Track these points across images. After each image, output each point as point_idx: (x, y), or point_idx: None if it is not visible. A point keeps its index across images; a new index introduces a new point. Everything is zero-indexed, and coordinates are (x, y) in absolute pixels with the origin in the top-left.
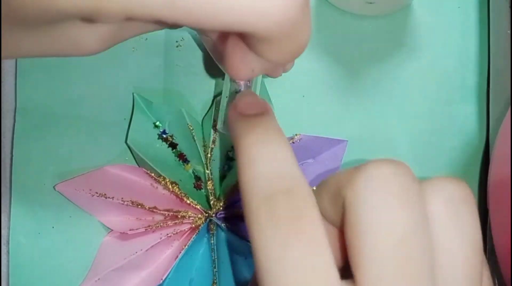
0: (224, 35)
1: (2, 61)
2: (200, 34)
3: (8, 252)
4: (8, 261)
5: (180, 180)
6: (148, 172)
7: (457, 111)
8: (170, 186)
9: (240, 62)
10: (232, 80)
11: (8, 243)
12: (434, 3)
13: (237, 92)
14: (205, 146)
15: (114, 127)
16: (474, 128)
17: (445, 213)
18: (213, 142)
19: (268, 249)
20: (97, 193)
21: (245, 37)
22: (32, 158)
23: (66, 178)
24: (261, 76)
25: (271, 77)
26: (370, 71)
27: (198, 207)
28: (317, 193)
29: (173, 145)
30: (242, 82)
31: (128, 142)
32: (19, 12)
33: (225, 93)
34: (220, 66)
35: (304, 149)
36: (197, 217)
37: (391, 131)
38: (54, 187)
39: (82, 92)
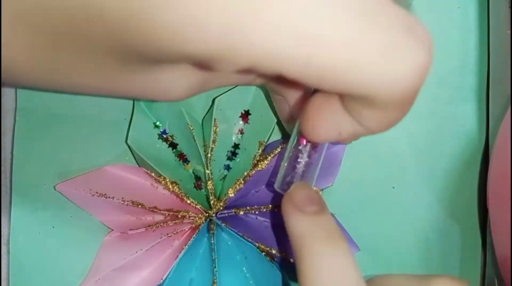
0: (306, 96)
1: None
2: (272, 93)
3: (8, 252)
4: (8, 261)
5: (180, 180)
6: (148, 172)
7: (457, 111)
8: (170, 186)
9: (328, 121)
10: (297, 145)
11: (8, 243)
12: (434, 3)
13: (297, 157)
14: (205, 146)
15: (114, 127)
16: (474, 128)
17: None
18: (213, 142)
19: None
20: (97, 193)
21: (347, 99)
22: (32, 158)
23: (66, 178)
24: (326, 148)
25: (342, 143)
26: None
27: (198, 207)
28: None
29: (173, 145)
30: (306, 149)
31: (128, 142)
32: (136, 48)
33: (287, 155)
34: (286, 127)
35: None
36: (197, 217)
37: (391, 131)
38: (54, 187)
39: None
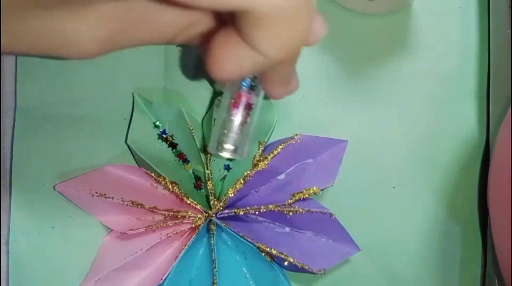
0: (213, 32)
1: (2, 61)
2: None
3: (8, 252)
4: (8, 261)
5: (180, 180)
6: (148, 172)
7: (457, 111)
8: (170, 186)
9: (228, 55)
10: (230, 104)
11: (8, 243)
12: (434, 3)
13: (230, 117)
14: (205, 146)
15: (114, 127)
16: (474, 128)
17: None
18: None
19: None
20: (97, 193)
21: (239, 23)
22: (32, 158)
23: (66, 178)
24: (260, 102)
25: (274, 99)
26: (370, 71)
27: (198, 207)
28: None
29: (173, 145)
30: (240, 111)
31: (128, 142)
32: None
33: (219, 119)
34: (217, 88)
35: (304, 149)
36: (197, 217)
37: (391, 131)
38: (54, 187)
39: (82, 92)
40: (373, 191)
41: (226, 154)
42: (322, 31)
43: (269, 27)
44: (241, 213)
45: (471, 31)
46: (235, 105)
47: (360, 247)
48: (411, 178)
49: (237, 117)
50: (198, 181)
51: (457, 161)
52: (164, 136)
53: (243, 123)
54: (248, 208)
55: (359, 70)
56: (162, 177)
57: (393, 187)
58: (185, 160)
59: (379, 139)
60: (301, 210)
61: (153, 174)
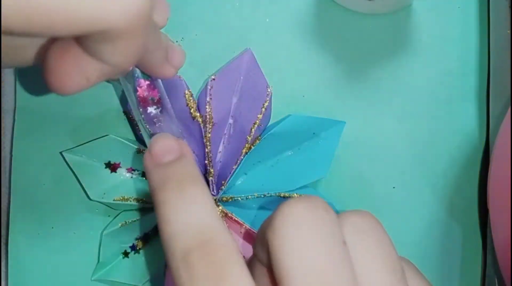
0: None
1: None
2: None
3: (7, 252)
4: (7, 261)
5: None
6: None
7: (457, 111)
8: None
9: (71, 69)
10: (143, 113)
11: (7, 244)
12: (434, 3)
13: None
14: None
15: (114, 127)
16: (474, 128)
17: (352, 238)
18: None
19: None
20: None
21: (83, 40)
22: (31, 158)
23: (66, 179)
24: (161, 83)
25: (166, 78)
26: (370, 71)
27: None
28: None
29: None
30: (151, 107)
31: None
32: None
33: (138, 120)
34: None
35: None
36: None
37: (391, 131)
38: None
39: (81, 92)
40: (373, 191)
41: None
42: (167, 10)
43: (118, 41)
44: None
45: (471, 31)
46: (144, 102)
47: None
48: (411, 178)
49: (152, 114)
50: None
51: (457, 161)
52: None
53: (159, 114)
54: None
55: (358, 70)
56: None
57: (393, 187)
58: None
59: (379, 139)
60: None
61: None
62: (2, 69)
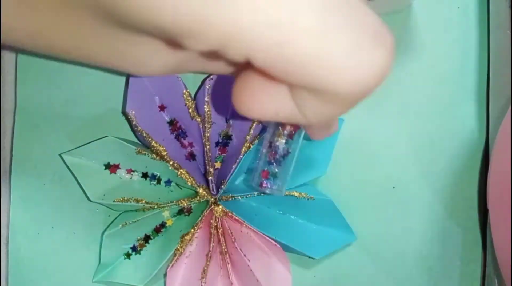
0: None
1: (2, 61)
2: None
3: (7, 252)
4: (7, 261)
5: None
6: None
7: (457, 111)
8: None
9: (270, 102)
10: (274, 140)
11: (8, 243)
12: (434, 3)
13: (276, 152)
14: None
15: (113, 127)
16: (474, 128)
17: None
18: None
19: None
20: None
21: (301, 91)
22: (31, 158)
23: (66, 179)
24: (302, 136)
25: (313, 139)
26: None
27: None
28: None
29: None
30: (282, 145)
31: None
32: (109, 10)
33: (263, 151)
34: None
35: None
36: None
37: (391, 131)
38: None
39: (81, 92)
40: (373, 191)
41: (267, 191)
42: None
43: (327, 104)
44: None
45: (471, 31)
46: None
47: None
48: (411, 178)
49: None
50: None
51: (457, 161)
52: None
53: (282, 160)
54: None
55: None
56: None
57: (393, 187)
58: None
59: (379, 139)
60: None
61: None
62: (2, 69)
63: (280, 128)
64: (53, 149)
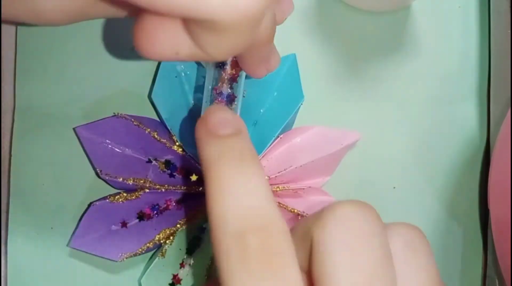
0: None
1: (2, 61)
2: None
3: (6, 252)
4: (6, 261)
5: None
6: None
7: (457, 111)
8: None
9: (165, 39)
10: (215, 72)
11: (7, 244)
12: (434, 3)
13: (217, 93)
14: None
15: None
16: (474, 128)
17: (403, 252)
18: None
19: None
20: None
21: (189, 21)
22: (31, 158)
23: (65, 179)
24: (244, 77)
25: (255, 78)
26: (370, 71)
27: None
28: None
29: None
30: (226, 91)
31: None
32: None
33: (206, 96)
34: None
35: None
36: None
37: (391, 131)
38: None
39: (81, 92)
40: (373, 191)
41: None
42: (290, 10)
43: (221, 35)
44: None
45: (471, 31)
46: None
47: None
48: (411, 178)
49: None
50: None
51: (458, 161)
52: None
53: (230, 106)
54: None
55: (358, 69)
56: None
57: (393, 187)
58: None
59: (379, 139)
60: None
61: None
62: (2, 69)
63: (222, 73)
64: (53, 149)
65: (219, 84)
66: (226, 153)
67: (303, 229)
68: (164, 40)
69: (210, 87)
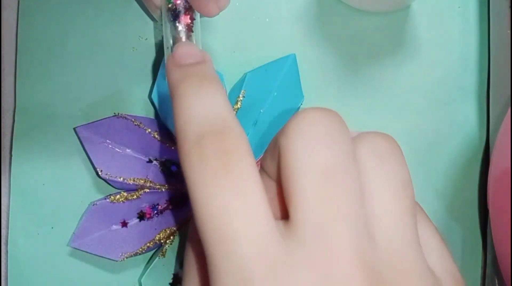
0: None
1: (2, 61)
2: None
3: (7, 252)
4: (7, 261)
5: None
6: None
7: (457, 111)
8: None
9: None
10: (171, 27)
11: (7, 244)
12: (434, 3)
13: (174, 41)
14: None
15: None
16: (474, 128)
17: (370, 158)
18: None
19: (199, 190)
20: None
21: None
22: (31, 158)
23: (65, 179)
24: (199, 26)
25: (208, 16)
26: (369, 71)
27: None
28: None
29: None
30: (182, 30)
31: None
32: None
33: (164, 43)
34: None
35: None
36: None
37: (390, 131)
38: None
39: (81, 92)
40: None
41: None
42: None
43: None
44: None
45: (471, 31)
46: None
47: None
48: (411, 178)
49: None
50: None
51: (457, 161)
52: None
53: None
54: None
55: (358, 69)
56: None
57: None
58: None
59: None
60: None
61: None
62: (2, 69)
63: (177, 25)
64: (54, 149)
65: (175, 36)
66: (188, 76)
67: (273, 140)
68: None
69: (169, 45)
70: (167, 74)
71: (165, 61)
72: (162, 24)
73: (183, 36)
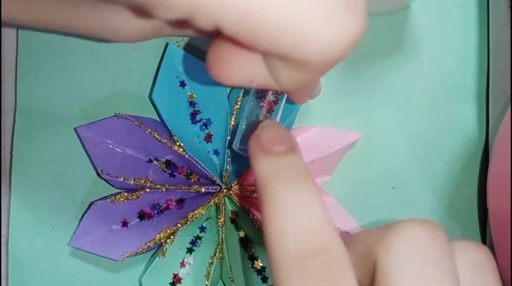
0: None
1: (2, 61)
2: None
3: (7, 252)
4: (7, 261)
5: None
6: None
7: (457, 111)
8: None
9: (242, 68)
10: (256, 99)
11: (8, 243)
12: (434, 3)
13: (257, 115)
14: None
15: None
16: (474, 128)
17: (471, 275)
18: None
19: None
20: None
21: (272, 58)
22: (32, 158)
23: (66, 179)
24: (284, 101)
25: (296, 103)
26: (369, 71)
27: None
28: None
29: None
30: (265, 106)
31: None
32: None
33: (246, 113)
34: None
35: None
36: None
37: (390, 131)
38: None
39: (82, 92)
40: (373, 191)
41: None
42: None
43: (301, 71)
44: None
45: (471, 31)
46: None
47: None
48: (410, 178)
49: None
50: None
51: (457, 161)
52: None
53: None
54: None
55: (358, 69)
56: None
57: (393, 187)
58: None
59: (379, 138)
60: None
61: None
62: (2, 69)
63: (261, 103)
64: (53, 149)
65: (256, 116)
66: (281, 171)
67: (364, 247)
68: (240, 68)
69: (245, 116)
70: (252, 159)
71: (241, 132)
72: (245, 90)
73: (266, 112)
